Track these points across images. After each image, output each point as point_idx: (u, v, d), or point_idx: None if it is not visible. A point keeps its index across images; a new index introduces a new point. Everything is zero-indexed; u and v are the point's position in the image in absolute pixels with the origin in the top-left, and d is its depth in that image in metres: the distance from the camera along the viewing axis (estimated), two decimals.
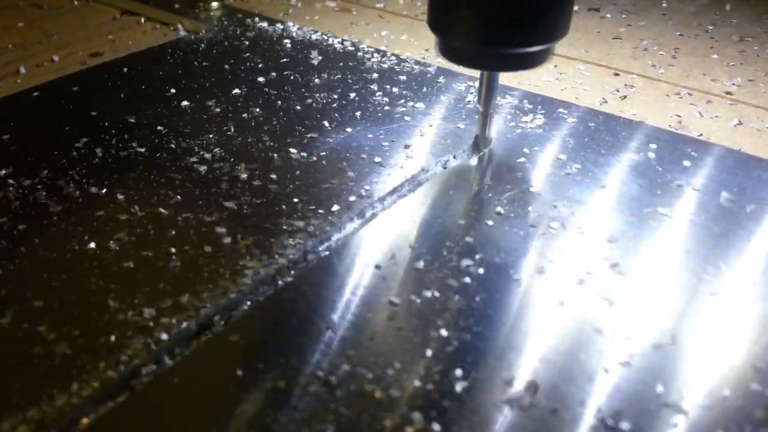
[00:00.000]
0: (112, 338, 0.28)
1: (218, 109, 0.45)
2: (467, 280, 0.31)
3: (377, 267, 0.31)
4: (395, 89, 0.47)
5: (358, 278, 0.31)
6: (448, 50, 0.36)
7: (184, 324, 0.28)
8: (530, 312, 0.29)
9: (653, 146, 0.41)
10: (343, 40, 0.56)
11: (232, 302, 0.30)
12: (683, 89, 0.50)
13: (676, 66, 0.53)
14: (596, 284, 0.31)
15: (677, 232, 0.34)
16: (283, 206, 0.35)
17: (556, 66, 0.53)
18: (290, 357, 0.27)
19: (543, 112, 0.45)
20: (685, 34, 0.59)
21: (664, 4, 0.66)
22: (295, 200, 0.36)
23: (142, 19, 0.62)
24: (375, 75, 0.49)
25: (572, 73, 0.52)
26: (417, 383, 0.26)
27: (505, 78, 0.50)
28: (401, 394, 0.25)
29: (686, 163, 0.39)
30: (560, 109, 0.45)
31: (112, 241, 0.33)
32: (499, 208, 0.35)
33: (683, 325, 0.28)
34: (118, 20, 0.62)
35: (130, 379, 0.26)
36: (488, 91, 0.38)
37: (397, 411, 0.25)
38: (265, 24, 0.58)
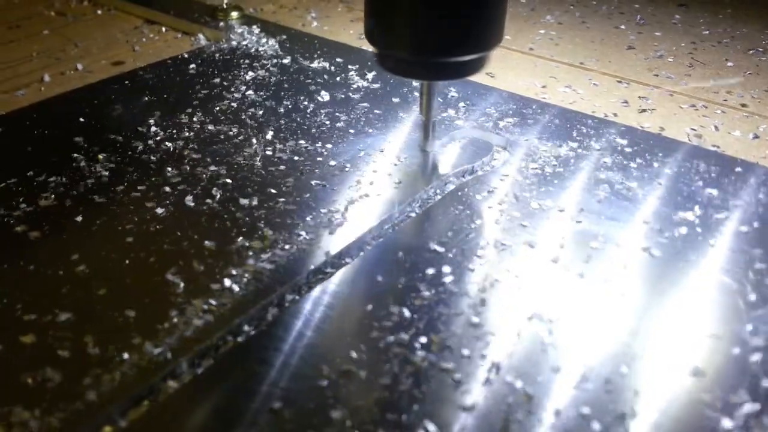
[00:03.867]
0: (135, 344, 0.29)
1: (239, 118, 0.46)
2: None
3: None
4: (407, 104, 0.48)
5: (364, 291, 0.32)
6: (385, 62, 0.37)
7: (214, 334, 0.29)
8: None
9: (669, 161, 0.41)
10: (358, 50, 0.56)
11: (260, 310, 0.30)
12: (698, 101, 0.50)
13: (691, 77, 0.54)
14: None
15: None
16: (291, 208, 0.36)
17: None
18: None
19: (557, 123, 0.45)
20: (700, 45, 0.60)
21: (677, 16, 0.66)
22: (301, 208, 0.37)
23: (163, 29, 0.63)
24: (377, 89, 0.50)
25: (586, 84, 0.52)
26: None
27: (514, 86, 0.51)
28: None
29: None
30: (573, 121, 0.45)
31: (116, 251, 0.34)
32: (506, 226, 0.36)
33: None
34: (140, 29, 0.64)
35: (154, 387, 0.27)
36: (428, 101, 0.39)
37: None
38: (284, 34, 0.59)
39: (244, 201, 0.37)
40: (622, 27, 0.64)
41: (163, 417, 0.26)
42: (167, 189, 0.38)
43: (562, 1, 0.70)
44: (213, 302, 0.30)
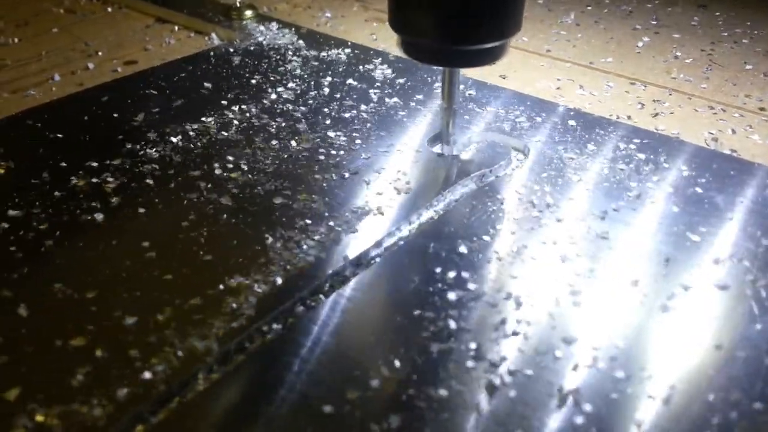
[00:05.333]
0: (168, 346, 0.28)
1: (252, 119, 0.45)
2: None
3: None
4: (420, 102, 0.48)
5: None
6: (409, 48, 0.37)
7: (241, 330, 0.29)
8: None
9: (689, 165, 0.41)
10: (374, 51, 0.56)
11: (287, 310, 0.30)
12: (716, 104, 0.49)
13: (709, 80, 0.53)
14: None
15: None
16: (315, 205, 0.36)
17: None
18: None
19: (573, 126, 0.45)
20: (718, 47, 0.59)
21: (696, 17, 0.66)
22: (327, 213, 0.37)
23: (176, 27, 0.63)
24: (397, 87, 0.50)
25: (602, 86, 0.52)
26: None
27: (531, 88, 0.50)
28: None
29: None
30: (589, 124, 0.45)
31: (129, 259, 0.34)
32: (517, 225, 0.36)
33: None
34: (152, 27, 0.63)
35: (184, 385, 0.27)
36: (450, 88, 0.39)
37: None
38: (297, 33, 0.59)
39: (273, 196, 0.37)
40: (639, 27, 0.63)
41: (193, 414, 0.26)
42: (187, 188, 0.38)
43: (579, 2, 0.70)
44: (242, 300, 0.31)
